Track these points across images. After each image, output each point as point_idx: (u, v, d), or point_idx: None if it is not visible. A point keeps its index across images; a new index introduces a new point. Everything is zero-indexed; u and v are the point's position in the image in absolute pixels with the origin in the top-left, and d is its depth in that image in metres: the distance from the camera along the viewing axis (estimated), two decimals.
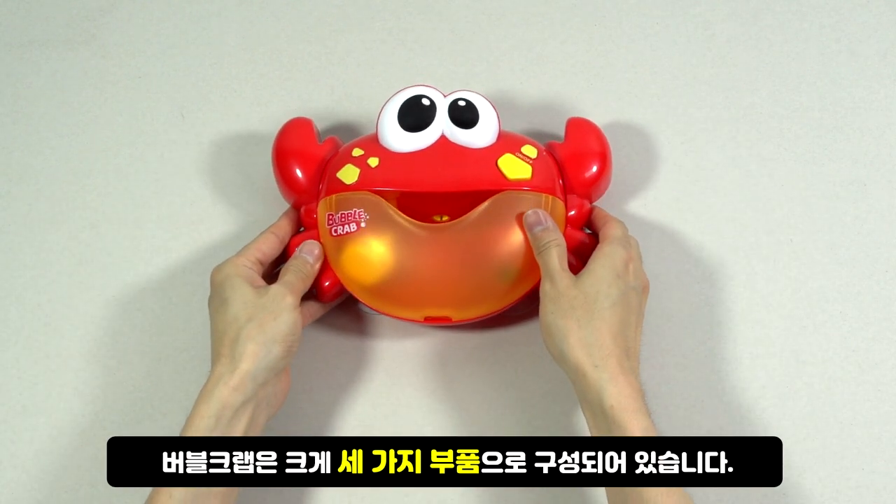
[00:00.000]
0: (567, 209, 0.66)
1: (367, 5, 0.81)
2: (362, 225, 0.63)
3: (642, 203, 0.71)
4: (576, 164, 0.67)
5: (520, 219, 0.63)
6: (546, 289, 0.59)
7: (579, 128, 0.69)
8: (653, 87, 0.76)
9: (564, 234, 0.65)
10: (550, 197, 0.64)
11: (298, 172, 0.67)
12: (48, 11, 0.82)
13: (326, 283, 0.65)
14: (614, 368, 0.55)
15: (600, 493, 0.61)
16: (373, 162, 0.65)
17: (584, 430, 0.64)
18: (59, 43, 0.81)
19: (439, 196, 0.65)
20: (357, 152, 0.66)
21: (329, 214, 0.64)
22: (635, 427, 0.52)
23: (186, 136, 0.76)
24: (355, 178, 0.65)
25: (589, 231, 0.67)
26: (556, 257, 0.60)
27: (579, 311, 0.57)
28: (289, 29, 0.80)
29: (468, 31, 0.80)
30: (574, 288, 0.58)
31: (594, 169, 0.67)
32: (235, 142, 0.75)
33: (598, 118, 0.74)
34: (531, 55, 0.78)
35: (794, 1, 0.80)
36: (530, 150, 0.67)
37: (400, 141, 0.66)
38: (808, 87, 0.76)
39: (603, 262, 0.59)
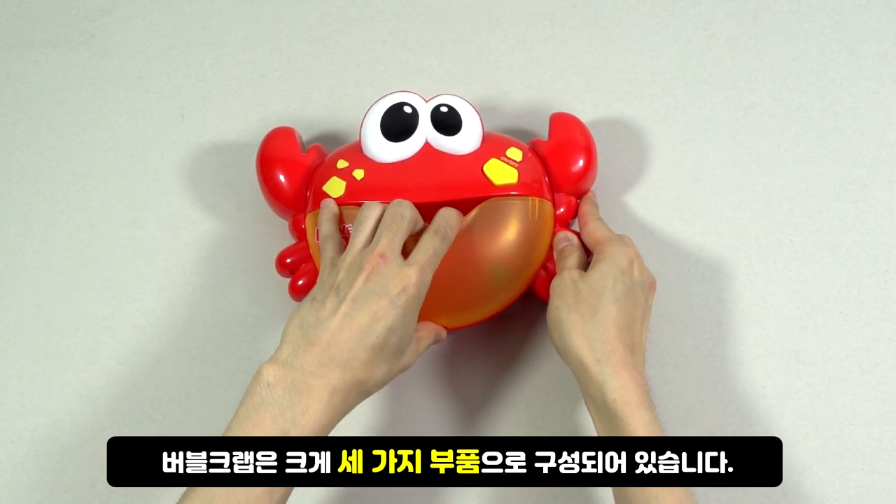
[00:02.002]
0: (555, 208, 0.66)
1: (367, 5, 0.81)
2: None
3: (643, 203, 0.72)
4: (561, 160, 0.67)
5: (507, 224, 0.63)
6: (555, 283, 0.61)
7: (563, 122, 0.69)
8: (653, 87, 0.76)
9: (553, 232, 0.65)
10: (537, 200, 0.64)
11: (284, 182, 0.67)
12: (48, 11, 0.82)
13: (300, 282, 0.65)
14: (617, 363, 0.55)
15: (600, 492, 0.61)
16: (358, 174, 0.65)
17: (585, 429, 0.64)
18: (59, 43, 0.81)
19: (427, 206, 0.65)
20: (342, 164, 0.66)
21: (317, 229, 0.64)
22: (638, 421, 0.53)
23: (186, 137, 0.76)
24: (342, 192, 0.64)
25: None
26: (572, 258, 0.62)
27: (584, 306, 0.58)
28: (289, 29, 0.80)
29: (468, 31, 0.80)
30: (581, 282, 0.59)
31: (580, 163, 0.67)
32: (235, 142, 0.75)
33: (598, 118, 0.74)
34: (531, 55, 0.78)
35: (794, 1, 0.80)
36: (515, 153, 0.66)
37: (384, 151, 0.66)
38: (808, 87, 0.76)
39: (608, 259, 0.60)
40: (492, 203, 0.64)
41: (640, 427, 0.53)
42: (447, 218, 0.60)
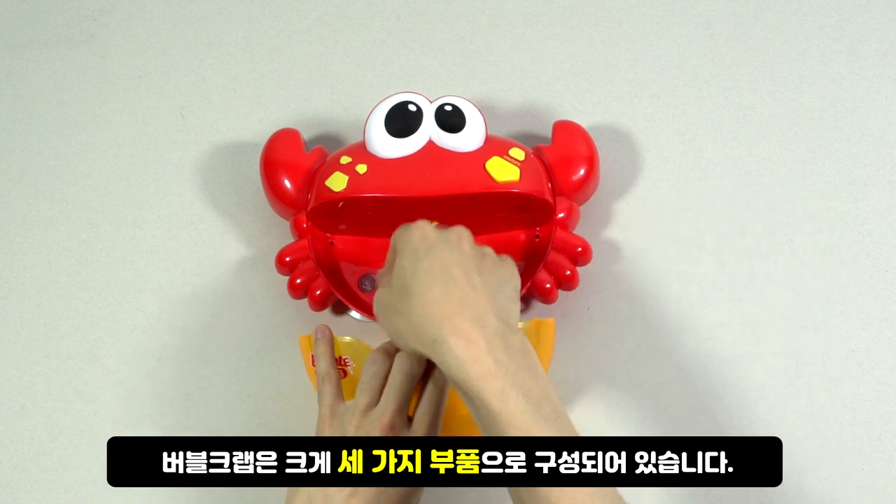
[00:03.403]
0: (556, 211, 0.66)
1: (367, 5, 0.81)
2: (350, 372, 0.60)
3: (642, 203, 0.71)
4: (563, 168, 0.67)
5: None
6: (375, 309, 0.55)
7: (566, 130, 0.70)
8: (653, 87, 0.76)
9: (555, 237, 0.65)
10: (535, 322, 0.61)
11: (287, 183, 0.67)
12: (48, 11, 0.82)
13: (318, 292, 0.65)
14: (456, 336, 0.48)
15: None
16: (361, 169, 0.65)
17: (585, 429, 0.64)
18: (59, 43, 0.81)
19: (428, 200, 0.65)
20: (345, 160, 0.66)
21: (313, 356, 0.60)
22: (492, 396, 0.47)
23: (186, 137, 0.76)
24: (344, 186, 0.65)
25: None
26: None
27: (396, 300, 0.52)
28: (289, 29, 0.80)
29: (468, 31, 0.80)
30: (383, 290, 0.54)
31: (581, 172, 0.67)
32: (235, 141, 0.75)
33: (598, 118, 0.74)
34: (531, 55, 0.78)
35: (794, 1, 0.80)
36: (518, 153, 0.67)
37: (387, 147, 0.66)
38: (808, 87, 0.76)
39: (397, 252, 0.54)
40: None
41: (496, 403, 0.47)
42: None
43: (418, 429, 0.55)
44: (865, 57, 0.77)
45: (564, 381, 0.65)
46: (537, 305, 0.68)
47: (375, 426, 0.53)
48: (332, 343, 0.60)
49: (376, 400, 0.55)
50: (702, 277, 0.69)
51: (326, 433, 0.55)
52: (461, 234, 0.54)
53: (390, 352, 0.57)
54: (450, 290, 0.50)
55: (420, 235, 0.53)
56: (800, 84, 0.76)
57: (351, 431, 0.54)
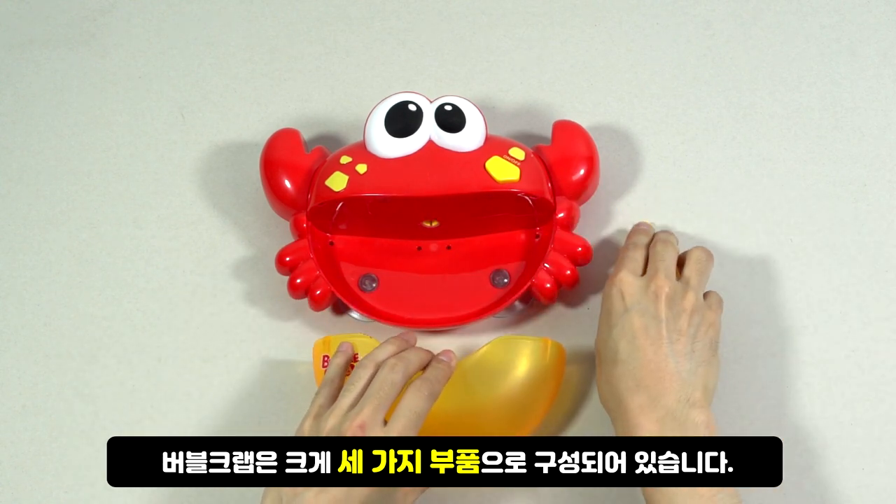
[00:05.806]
0: (556, 211, 0.66)
1: (367, 5, 0.81)
2: None
3: (642, 203, 0.71)
4: (563, 168, 0.67)
5: (514, 366, 0.61)
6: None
7: (566, 130, 0.70)
8: (653, 87, 0.76)
9: (555, 237, 0.65)
10: (549, 342, 0.61)
11: (287, 183, 0.67)
12: (48, 11, 0.82)
13: (318, 292, 0.65)
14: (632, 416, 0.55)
15: (600, 492, 0.61)
16: (361, 168, 0.65)
17: (585, 429, 0.64)
18: (59, 43, 0.81)
19: (428, 200, 0.65)
20: (345, 160, 0.66)
21: (324, 364, 0.62)
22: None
23: (186, 137, 0.76)
24: (344, 185, 0.65)
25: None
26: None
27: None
28: (289, 29, 0.80)
29: (468, 31, 0.80)
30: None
31: (581, 172, 0.67)
32: (235, 141, 0.75)
33: (598, 118, 0.74)
34: (531, 55, 0.78)
35: (794, 1, 0.80)
36: (518, 153, 0.67)
37: (387, 147, 0.66)
38: (808, 87, 0.76)
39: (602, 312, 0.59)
40: (501, 342, 0.61)
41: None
42: (438, 370, 0.57)
43: (392, 428, 0.53)
44: (865, 57, 0.77)
45: (564, 382, 0.65)
46: (537, 304, 0.68)
47: (347, 425, 0.52)
48: (350, 360, 0.60)
49: (357, 400, 0.54)
50: None
51: (305, 432, 0.54)
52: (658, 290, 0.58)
53: (379, 360, 0.57)
54: (631, 365, 0.56)
55: (617, 294, 0.59)
56: (800, 84, 0.76)
57: (325, 431, 0.53)
